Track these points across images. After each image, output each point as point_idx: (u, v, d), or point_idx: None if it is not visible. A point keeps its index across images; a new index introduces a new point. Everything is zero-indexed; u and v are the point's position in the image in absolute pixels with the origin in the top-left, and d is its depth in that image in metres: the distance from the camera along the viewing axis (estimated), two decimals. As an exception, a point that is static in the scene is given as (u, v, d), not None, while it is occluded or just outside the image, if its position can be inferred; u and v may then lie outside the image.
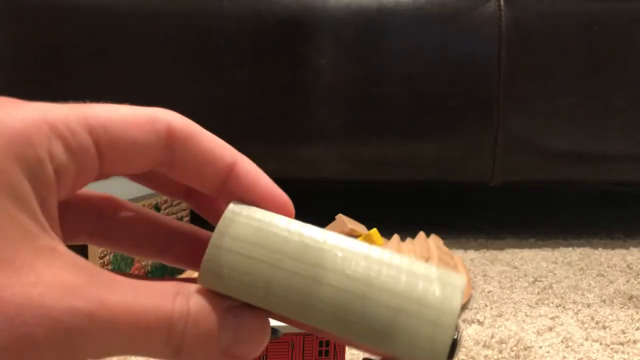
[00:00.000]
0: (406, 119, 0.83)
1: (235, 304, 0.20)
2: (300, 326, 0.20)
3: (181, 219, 0.64)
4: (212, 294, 0.20)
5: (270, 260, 0.20)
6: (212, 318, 0.19)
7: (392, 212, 0.93)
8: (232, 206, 0.20)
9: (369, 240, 0.58)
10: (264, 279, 0.19)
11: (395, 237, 0.71)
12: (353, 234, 0.58)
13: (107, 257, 0.49)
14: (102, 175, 0.20)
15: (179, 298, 0.19)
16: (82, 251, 0.49)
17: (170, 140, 0.20)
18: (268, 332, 0.21)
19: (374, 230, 0.58)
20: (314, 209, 0.81)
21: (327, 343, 0.32)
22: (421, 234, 0.71)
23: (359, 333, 0.19)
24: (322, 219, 0.65)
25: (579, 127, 0.85)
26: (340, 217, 0.58)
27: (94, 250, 0.47)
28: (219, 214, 0.20)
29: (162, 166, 0.20)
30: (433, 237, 0.72)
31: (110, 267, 0.50)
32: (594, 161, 0.87)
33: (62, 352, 0.16)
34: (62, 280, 0.17)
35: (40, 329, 0.16)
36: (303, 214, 0.76)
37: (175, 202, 0.62)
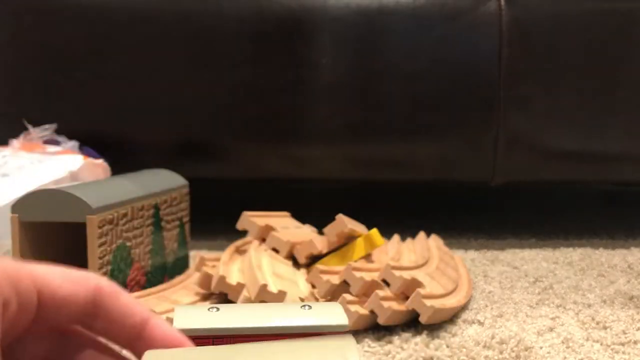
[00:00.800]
0: (406, 118, 0.83)
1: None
2: None
3: (181, 218, 0.64)
4: None
5: None
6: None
7: (392, 212, 0.93)
8: (147, 353, 0.23)
9: (369, 240, 0.58)
10: None
11: (396, 237, 0.71)
12: (353, 234, 0.58)
13: (107, 257, 0.49)
14: (36, 322, 0.22)
15: None
16: (82, 252, 0.49)
17: (98, 296, 0.23)
18: None
19: (374, 231, 0.58)
20: (313, 209, 0.81)
21: None
22: (421, 234, 0.71)
23: None
24: (322, 219, 0.65)
25: (580, 127, 0.85)
26: (340, 217, 0.58)
27: (94, 250, 0.47)
28: None
29: (87, 318, 0.24)
30: (433, 237, 0.72)
31: (110, 266, 0.50)
32: (595, 161, 0.86)
33: None
34: None
35: None
36: (303, 215, 0.76)
37: (174, 202, 0.62)
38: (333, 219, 0.58)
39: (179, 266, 0.65)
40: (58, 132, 0.71)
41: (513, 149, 0.83)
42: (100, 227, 0.48)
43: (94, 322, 0.24)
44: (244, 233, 0.64)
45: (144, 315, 0.24)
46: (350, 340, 0.25)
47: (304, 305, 0.30)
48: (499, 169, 0.83)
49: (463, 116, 0.83)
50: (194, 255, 0.68)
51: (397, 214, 0.93)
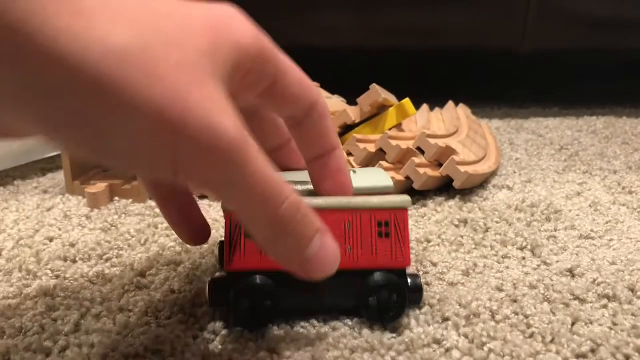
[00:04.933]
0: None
1: (326, 227, 0.25)
2: None
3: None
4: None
5: None
6: (311, 229, 0.24)
7: (415, 82, 0.93)
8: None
9: (402, 110, 0.58)
10: None
11: (425, 107, 0.71)
12: (386, 104, 0.59)
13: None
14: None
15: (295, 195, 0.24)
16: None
17: (312, 111, 0.28)
18: (338, 263, 0.26)
19: (407, 100, 0.59)
20: (344, 80, 0.81)
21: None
22: (450, 104, 0.72)
23: None
24: (354, 90, 0.65)
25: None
26: (374, 87, 0.58)
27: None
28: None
29: (295, 122, 0.28)
30: (461, 106, 0.73)
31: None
32: (626, 28, 0.84)
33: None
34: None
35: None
36: (335, 85, 0.76)
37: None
38: (367, 89, 0.58)
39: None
40: None
41: (544, 15, 0.81)
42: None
43: (295, 130, 0.29)
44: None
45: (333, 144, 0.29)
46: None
47: (350, 170, 0.33)
48: (529, 35, 0.82)
49: (494, -20, 0.80)
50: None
51: (419, 84, 0.93)
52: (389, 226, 0.30)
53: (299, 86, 0.27)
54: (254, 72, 0.24)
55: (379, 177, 0.33)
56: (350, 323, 0.31)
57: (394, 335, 0.30)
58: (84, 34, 0.18)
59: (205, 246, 0.41)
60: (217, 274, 0.32)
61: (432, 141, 0.51)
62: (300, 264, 0.25)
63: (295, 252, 0.24)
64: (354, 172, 0.33)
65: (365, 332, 0.30)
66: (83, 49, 0.18)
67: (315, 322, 0.31)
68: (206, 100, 0.20)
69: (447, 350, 0.29)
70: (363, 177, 0.32)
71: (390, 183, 0.32)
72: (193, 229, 0.32)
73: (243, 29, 0.23)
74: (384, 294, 0.30)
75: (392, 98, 0.60)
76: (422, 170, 0.49)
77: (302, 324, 0.31)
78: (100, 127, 0.19)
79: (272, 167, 0.23)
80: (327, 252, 0.25)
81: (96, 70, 0.18)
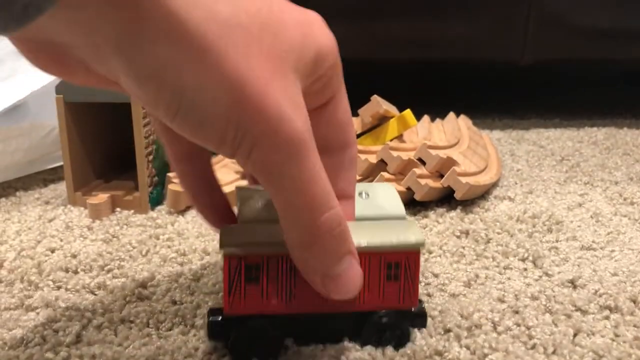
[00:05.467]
0: (436, -5, 0.80)
1: (356, 252, 0.25)
2: None
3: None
4: None
5: None
6: (345, 248, 0.25)
7: (418, 94, 0.93)
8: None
9: (403, 121, 0.59)
10: None
11: (426, 118, 0.71)
12: (387, 115, 0.59)
13: (152, 136, 0.51)
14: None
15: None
16: (125, 132, 0.50)
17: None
18: (359, 290, 0.26)
19: (408, 111, 0.59)
20: (346, 91, 0.81)
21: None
22: (451, 115, 0.72)
23: None
24: (355, 101, 0.65)
25: (612, 4, 0.83)
26: (375, 98, 0.58)
27: (139, 130, 0.49)
28: None
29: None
30: (462, 117, 0.73)
31: (154, 145, 0.51)
32: (625, 39, 0.85)
33: None
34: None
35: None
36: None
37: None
38: (367, 101, 0.59)
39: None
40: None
41: (544, 27, 0.82)
42: (144, 108, 0.49)
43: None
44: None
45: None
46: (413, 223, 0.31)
47: (360, 193, 0.32)
48: (529, 47, 0.82)
49: (494, -8, 0.81)
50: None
51: (420, 95, 0.93)
52: (399, 268, 0.29)
53: (345, 118, 0.27)
54: (323, 80, 0.25)
55: (391, 203, 0.32)
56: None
57: (397, 347, 0.30)
58: None
59: (206, 257, 0.41)
60: (215, 312, 0.29)
61: (433, 152, 0.51)
62: (323, 279, 0.25)
63: (323, 265, 0.24)
64: (367, 195, 0.32)
65: (367, 345, 0.30)
66: (189, 7, 0.20)
67: (316, 333, 0.31)
68: (285, 91, 0.22)
69: (449, 361, 0.29)
70: (375, 203, 0.31)
71: (403, 212, 0.31)
72: (219, 213, 0.32)
73: (326, 36, 0.24)
74: (387, 333, 0.30)
75: (393, 109, 0.60)
76: (423, 181, 0.50)
77: (304, 335, 0.31)
78: (183, 84, 0.20)
79: (325, 176, 0.23)
80: (352, 276, 0.25)
81: (197, 29, 0.20)
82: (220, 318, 0.28)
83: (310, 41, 0.23)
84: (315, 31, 0.24)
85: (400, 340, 0.30)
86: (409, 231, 0.29)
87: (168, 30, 0.19)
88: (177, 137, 0.29)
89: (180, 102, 0.21)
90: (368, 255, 0.28)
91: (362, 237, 0.28)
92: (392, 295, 0.29)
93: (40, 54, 0.22)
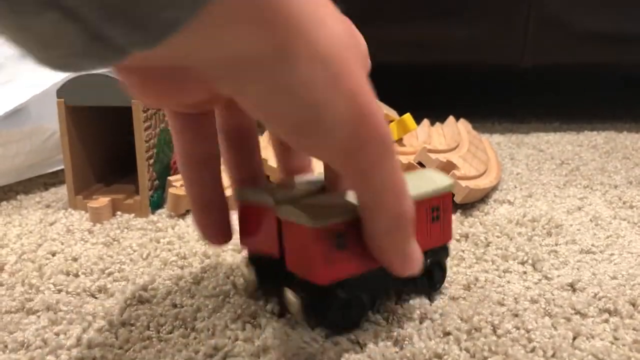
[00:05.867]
0: (436, -1, 0.81)
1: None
2: None
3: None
4: None
5: None
6: (412, 230, 0.28)
7: (418, 98, 0.93)
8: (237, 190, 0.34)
9: (402, 124, 0.59)
10: None
11: (425, 121, 0.72)
12: (387, 119, 0.59)
13: (152, 140, 0.51)
14: None
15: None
16: (126, 135, 0.50)
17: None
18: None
19: (407, 115, 0.59)
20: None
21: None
22: (451, 119, 0.72)
23: None
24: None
25: (612, 7, 0.83)
26: (375, 101, 0.58)
27: (140, 134, 0.49)
28: None
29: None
30: (462, 121, 0.73)
31: (155, 150, 0.51)
32: (626, 43, 0.85)
33: None
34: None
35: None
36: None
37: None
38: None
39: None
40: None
41: (544, 30, 0.82)
42: (144, 112, 0.49)
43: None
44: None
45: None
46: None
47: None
48: (529, 50, 0.82)
49: (494, -3, 0.81)
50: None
51: (420, 99, 0.93)
52: (439, 210, 0.33)
53: None
54: None
55: (434, 177, 0.35)
56: (352, 337, 0.31)
57: (396, 349, 0.30)
58: (314, 14, 0.22)
59: (207, 261, 0.41)
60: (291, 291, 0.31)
61: (433, 156, 0.51)
62: (403, 258, 0.28)
63: (402, 246, 0.28)
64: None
65: (368, 346, 0.30)
66: (319, 27, 0.22)
67: (317, 336, 0.31)
68: (374, 99, 0.24)
69: (449, 364, 0.29)
70: (421, 181, 0.34)
71: (449, 181, 0.34)
72: (218, 227, 0.33)
73: (365, 44, 0.27)
74: (436, 271, 0.35)
75: (392, 113, 0.61)
76: (423, 185, 0.50)
77: (305, 338, 0.31)
78: (315, 100, 0.22)
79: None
80: (417, 252, 0.29)
81: (329, 49, 0.22)
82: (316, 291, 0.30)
83: (364, 49, 0.26)
84: (361, 41, 0.27)
85: (444, 277, 0.36)
86: (438, 177, 0.34)
87: (308, 51, 0.21)
88: (194, 140, 0.30)
89: (309, 117, 0.23)
90: (417, 204, 0.30)
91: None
92: (436, 234, 0.34)
93: (149, 81, 0.23)
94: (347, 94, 0.23)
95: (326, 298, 0.30)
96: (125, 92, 0.25)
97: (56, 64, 0.18)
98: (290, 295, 0.31)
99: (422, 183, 0.33)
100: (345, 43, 0.23)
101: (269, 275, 0.34)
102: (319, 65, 0.22)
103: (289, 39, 0.21)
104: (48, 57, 0.17)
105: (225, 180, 0.47)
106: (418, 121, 0.70)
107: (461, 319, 0.33)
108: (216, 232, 0.32)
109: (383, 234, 0.27)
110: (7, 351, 0.30)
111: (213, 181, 0.31)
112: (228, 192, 0.33)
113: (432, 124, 0.72)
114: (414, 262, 0.29)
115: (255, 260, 0.35)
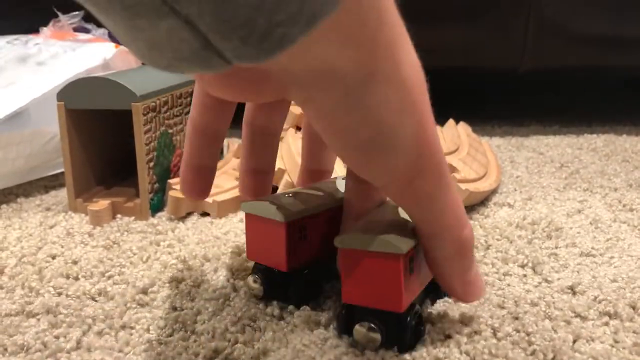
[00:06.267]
0: (435, 2, 0.81)
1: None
2: None
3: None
4: None
5: None
6: (473, 257, 0.29)
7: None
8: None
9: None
10: None
11: (425, 124, 0.72)
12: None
13: (152, 143, 0.51)
14: None
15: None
16: (125, 138, 0.50)
17: None
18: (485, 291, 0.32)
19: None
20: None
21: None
22: (450, 122, 0.72)
23: None
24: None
25: (611, 11, 0.83)
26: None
27: (140, 137, 0.49)
28: None
29: None
30: (462, 124, 0.73)
31: (155, 152, 0.51)
32: (625, 46, 0.85)
33: None
34: None
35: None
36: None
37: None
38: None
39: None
40: (86, 19, 0.70)
41: (543, 33, 0.82)
42: (144, 115, 0.49)
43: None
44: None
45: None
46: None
47: (344, 178, 0.36)
48: (529, 54, 0.83)
49: (493, 0, 0.81)
50: (226, 143, 0.70)
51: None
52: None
53: None
54: None
55: None
56: (352, 341, 0.31)
57: (396, 353, 0.30)
58: (400, 38, 0.23)
59: (207, 264, 0.41)
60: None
61: (433, 159, 0.51)
62: (463, 285, 0.29)
63: (463, 273, 0.28)
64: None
65: (368, 350, 0.30)
66: (402, 53, 0.23)
67: (316, 339, 0.31)
68: (436, 132, 0.26)
69: (449, 367, 0.29)
70: None
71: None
72: (201, 182, 0.34)
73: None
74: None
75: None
76: (423, 188, 0.50)
77: (304, 341, 0.31)
78: (385, 119, 0.23)
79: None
80: (480, 279, 0.29)
81: (406, 74, 0.23)
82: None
83: None
84: None
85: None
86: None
87: (392, 74, 0.22)
88: (212, 119, 0.31)
89: (377, 136, 0.23)
90: None
91: None
92: None
93: (231, 80, 0.24)
94: (417, 121, 0.24)
95: (402, 324, 0.29)
96: (200, 84, 0.26)
97: (160, 64, 0.18)
98: (368, 332, 0.29)
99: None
100: (420, 72, 0.24)
101: (276, 287, 0.35)
102: (399, 89, 0.23)
103: (376, 60, 0.22)
104: (153, 57, 0.18)
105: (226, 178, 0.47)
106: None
107: (461, 322, 0.33)
108: (197, 190, 0.34)
109: (444, 261, 0.28)
110: (7, 354, 0.30)
111: (210, 150, 0.33)
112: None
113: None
114: (477, 288, 0.29)
115: (262, 272, 0.35)
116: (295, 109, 0.60)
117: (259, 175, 0.36)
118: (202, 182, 0.34)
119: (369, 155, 0.24)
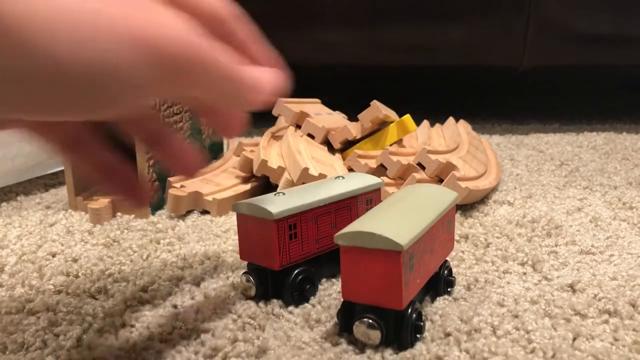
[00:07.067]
0: (437, 2, 0.81)
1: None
2: None
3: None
4: None
5: None
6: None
7: (418, 99, 0.93)
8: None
9: (402, 126, 0.59)
10: None
11: (425, 123, 0.72)
12: (387, 120, 0.59)
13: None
14: None
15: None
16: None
17: None
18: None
19: (407, 116, 0.59)
20: (345, 96, 0.82)
21: (371, 201, 0.38)
22: (450, 120, 0.72)
23: None
24: (355, 106, 0.65)
25: (611, 10, 0.83)
26: (375, 103, 0.58)
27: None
28: None
29: None
30: (462, 122, 0.73)
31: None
32: (625, 45, 0.85)
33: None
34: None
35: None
36: (336, 101, 0.77)
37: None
38: (367, 106, 0.59)
39: (215, 150, 0.66)
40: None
41: (544, 32, 0.82)
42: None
43: None
44: (269, 119, 0.65)
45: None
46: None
47: (337, 177, 0.38)
48: (529, 53, 0.83)
49: (494, 0, 0.81)
50: (225, 142, 0.70)
51: (420, 101, 0.94)
52: (450, 222, 0.36)
53: None
54: None
55: (367, 177, 0.39)
56: (352, 338, 0.31)
57: (396, 351, 0.30)
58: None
59: (207, 262, 0.41)
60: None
61: (433, 157, 0.51)
62: (252, 89, 0.24)
63: (241, 83, 0.24)
64: (342, 177, 0.38)
65: (367, 347, 0.30)
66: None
67: (316, 337, 0.31)
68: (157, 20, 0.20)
69: (449, 365, 0.29)
70: (356, 180, 0.38)
71: (380, 181, 0.39)
72: (129, 186, 0.31)
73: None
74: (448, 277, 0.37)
75: (392, 114, 0.61)
76: (422, 186, 0.50)
77: (304, 339, 0.31)
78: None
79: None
80: (251, 72, 0.25)
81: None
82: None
83: None
84: None
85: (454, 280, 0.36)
86: (446, 192, 0.36)
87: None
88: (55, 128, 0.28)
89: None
90: (439, 222, 0.33)
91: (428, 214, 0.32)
92: (450, 243, 0.36)
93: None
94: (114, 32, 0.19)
95: (402, 322, 0.29)
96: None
97: None
98: (368, 329, 0.29)
99: (435, 199, 0.34)
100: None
101: (269, 286, 0.35)
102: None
103: None
104: None
105: (227, 180, 0.47)
106: (418, 122, 0.70)
107: (461, 320, 0.33)
108: (127, 194, 0.30)
109: (227, 100, 0.24)
110: (7, 352, 0.30)
111: (99, 151, 0.31)
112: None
113: (432, 125, 0.72)
114: (260, 81, 0.25)
115: (255, 272, 0.35)
116: (294, 108, 0.60)
117: (126, 178, 0.31)
118: (124, 184, 0.31)
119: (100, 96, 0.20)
